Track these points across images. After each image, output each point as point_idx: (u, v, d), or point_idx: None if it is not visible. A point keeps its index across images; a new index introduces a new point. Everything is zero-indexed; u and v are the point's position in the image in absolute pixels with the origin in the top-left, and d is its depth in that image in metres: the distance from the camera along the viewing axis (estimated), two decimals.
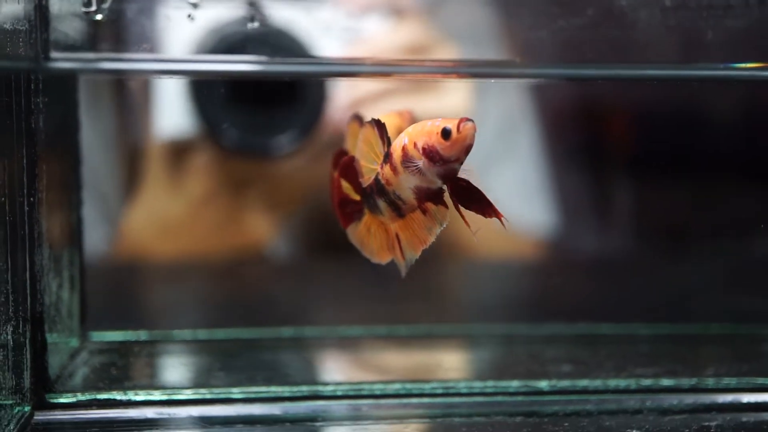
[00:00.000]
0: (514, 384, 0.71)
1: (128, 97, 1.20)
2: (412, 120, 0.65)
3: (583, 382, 0.72)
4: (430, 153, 0.54)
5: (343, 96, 1.06)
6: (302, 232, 1.25)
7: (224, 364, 0.78)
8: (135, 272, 1.13)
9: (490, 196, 0.54)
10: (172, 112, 1.05)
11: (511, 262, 1.22)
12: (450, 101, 1.05)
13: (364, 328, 0.88)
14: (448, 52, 1.06)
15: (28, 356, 0.65)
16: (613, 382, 0.72)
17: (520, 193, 1.30)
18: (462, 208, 0.55)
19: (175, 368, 0.82)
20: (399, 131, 0.58)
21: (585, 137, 1.32)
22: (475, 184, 0.55)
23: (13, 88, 0.63)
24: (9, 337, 0.62)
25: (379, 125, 0.56)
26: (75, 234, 0.77)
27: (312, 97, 1.03)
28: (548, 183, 1.31)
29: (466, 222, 0.55)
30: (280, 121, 1.05)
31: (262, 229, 1.19)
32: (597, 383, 0.72)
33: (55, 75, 0.69)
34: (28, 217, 0.65)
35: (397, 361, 0.85)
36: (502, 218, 0.54)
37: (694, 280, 1.03)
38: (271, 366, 0.80)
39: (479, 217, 0.55)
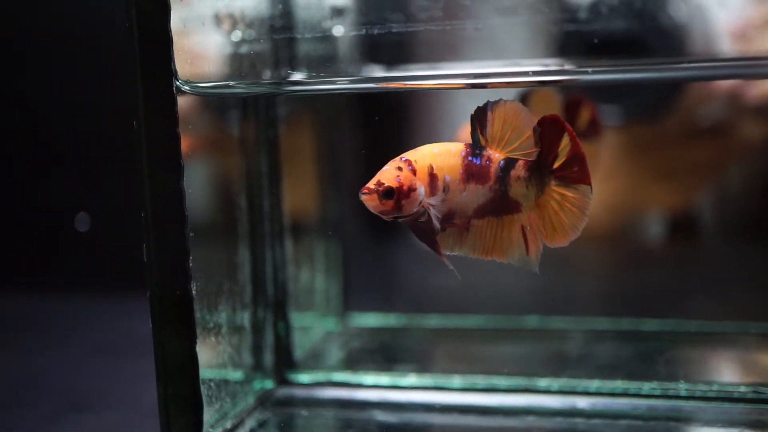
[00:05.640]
0: None
1: None
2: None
3: None
4: None
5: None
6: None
7: None
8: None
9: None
10: None
11: None
12: None
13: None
14: None
15: (271, 338, 0.74)
16: None
17: None
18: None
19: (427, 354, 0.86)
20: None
21: None
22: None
23: (253, 103, 0.72)
24: (246, 321, 0.71)
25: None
26: (332, 228, 0.85)
27: None
28: None
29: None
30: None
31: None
32: None
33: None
34: (270, 215, 0.73)
35: None
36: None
37: None
38: None
39: None
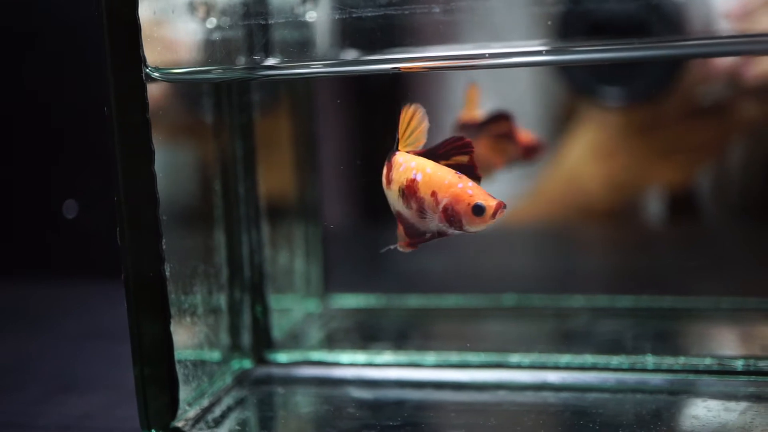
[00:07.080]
0: None
1: None
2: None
3: None
4: (451, 216, 0.53)
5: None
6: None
7: None
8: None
9: None
10: None
11: None
12: None
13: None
14: None
15: (248, 319, 0.75)
16: None
17: None
18: None
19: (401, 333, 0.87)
20: None
21: None
22: None
23: (227, 89, 0.73)
24: (223, 303, 0.72)
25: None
26: (311, 211, 0.86)
27: None
28: None
29: None
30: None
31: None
32: None
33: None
34: (244, 200, 0.75)
35: None
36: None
37: None
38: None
39: None
